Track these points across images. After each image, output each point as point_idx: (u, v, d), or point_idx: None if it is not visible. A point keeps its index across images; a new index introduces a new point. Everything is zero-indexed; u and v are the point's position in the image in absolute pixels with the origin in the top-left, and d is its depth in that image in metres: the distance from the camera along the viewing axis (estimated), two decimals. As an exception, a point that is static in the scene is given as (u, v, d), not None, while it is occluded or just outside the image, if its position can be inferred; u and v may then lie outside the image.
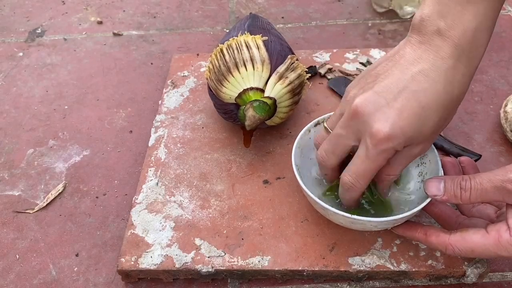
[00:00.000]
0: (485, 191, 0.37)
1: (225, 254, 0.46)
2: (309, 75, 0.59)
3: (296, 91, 0.53)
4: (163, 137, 0.58)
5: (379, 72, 0.39)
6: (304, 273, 0.45)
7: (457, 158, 0.48)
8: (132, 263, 0.46)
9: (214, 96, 0.55)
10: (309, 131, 0.50)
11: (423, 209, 0.43)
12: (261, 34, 0.54)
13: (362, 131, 0.38)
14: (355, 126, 0.38)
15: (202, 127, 0.59)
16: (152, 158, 0.56)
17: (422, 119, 0.37)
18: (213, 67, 0.53)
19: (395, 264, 0.45)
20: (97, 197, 0.55)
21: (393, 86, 0.37)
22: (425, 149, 0.40)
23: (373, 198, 0.46)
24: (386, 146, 0.37)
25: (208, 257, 0.46)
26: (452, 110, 0.39)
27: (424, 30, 0.37)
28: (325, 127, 0.44)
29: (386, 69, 0.38)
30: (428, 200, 0.42)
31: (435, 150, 0.46)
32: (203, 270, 0.45)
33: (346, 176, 0.41)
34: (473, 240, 0.37)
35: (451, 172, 0.45)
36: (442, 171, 0.44)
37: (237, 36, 0.54)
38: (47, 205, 0.54)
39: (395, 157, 0.40)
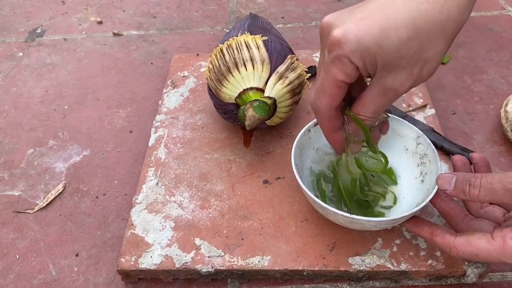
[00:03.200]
0: (494, 191, 0.36)
1: (225, 254, 0.46)
2: (309, 75, 0.59)
3: (296, 91, 0.53)
4: (163, 137, 0.58)
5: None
6: (304, 273, 0.45)
7: (468, 157, 0.47)
8: (132, 263, 0.46)
9: (214, 96, 0.55)
10: (309, 131, 0.50)
11: (432, 204, 0.43)
12: (261, 34, 0.54)
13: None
14: (323, 43, 0.37)
15: (202, 127, 0.59)
16: (152, 158, 0.56)
17: (384, 30, 0.33)
18: (213, 67, 0.53)
19: (395, 264, 0.45)
20: (97, 197, 0.55)
21: (363, 2, 0.36)
22: (399, 81, 0.36)
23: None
24: (338, 52, 0.34)
25: (208, 257, 0.46)
26: (432, 36, 0.34)
27: None
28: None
29: None
30: (428, 200, 0.42)
31: (435, 150, 0.46)
32: (203, 270, 0.45)
33: (311, 96, 0.39)
34: (478, 245, 0.37)
35: (462, 171, 0.45)
36: (442, 171, 0.44)
37: (237, 36, 0.54)
38: (47, 205, 0.54)
39: (366, 91, 0.38)
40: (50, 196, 0.55)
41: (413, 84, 0.37)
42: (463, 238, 0.38)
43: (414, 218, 0.43)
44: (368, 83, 0.39)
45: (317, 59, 0.68)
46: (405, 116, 0.58)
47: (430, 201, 0.43)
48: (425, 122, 0.58)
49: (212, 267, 0.45)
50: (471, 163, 0.46)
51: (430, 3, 0.34)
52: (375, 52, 0.34)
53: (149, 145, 0.57)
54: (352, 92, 0.41)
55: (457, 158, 0.46)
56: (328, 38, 0.35)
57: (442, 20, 0.34)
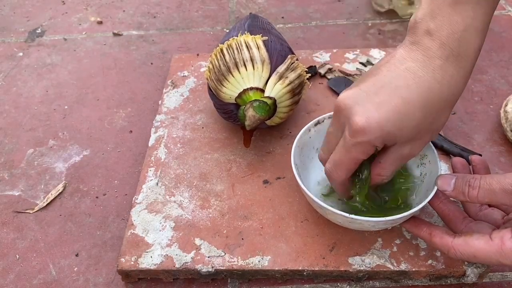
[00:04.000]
0: (493, 192, 0.37)
1: (225, 254, 0.46)
2: (309, 75, 0.59)
3: (296, 91, 0.53)
4: (163, 137, 0.58)
5: (369, 73, 0.39)
6: (304, 273, 0.45)
7: (468, 158, 0.47)
8: (132, 263, 0.46)
9: (214, 96, 0.55)
10: (309, 130, 0.50)
11: (431, 205, 0.43)
12: (261, 34, 0.54)
13: (345, 124, 0.39)
14: (339, 121, 0.39)
15: (202, 127, 0.59)
16: (152, 158, 0.56)
17: (402, 114, 0.36)
18: (213, 67, 0.53)
19: (395, 264, 0.45)
20: (97, 197, 0.55)
21: (378, 82, 0.38)
22: (414, 149, 0.40)
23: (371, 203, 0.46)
24: (362, 138, 0.37)
25: (208, 257, 0.46)
26: (440, 111, 0.38)
27: (416, 32, 0.38)
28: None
29: (376, 68, 0.39)
30: (427, 200, 0.42)
31: (435, 150, 0.46)
32: (203, 270, 0.45)
33: (327, 164, 0.42)
34: (476, 245, 0.37)
35: (461, 172, 0.45)
36: (442, 171, 0.44)
37: (237, 36, 0.54)
38: (47, 205, 0.54)
39: (385, 155, 0.40)
40: (50, 196, 0.55)
41: (424, 147, 0.41)
42: (461, 239, 0.38)
43: (413, 219, 0.43)
44: None
45: (317, 59, 0.68)
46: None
47: (429, 202, 0.43)
48: (425, 122, 0.57)
49: (212, 267, 0.45)
50: (470, 164, 0.46)
51: (439, 82, 0.37)
52: (395, 134, 0.37)
53: (149, 145, 0.57)
54: None
55: (457, 160, 0.46)
56: (350, 123, 0.37)
57: (450, 95, 0.38)
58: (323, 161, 0.44)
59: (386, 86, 0.37)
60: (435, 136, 0.41)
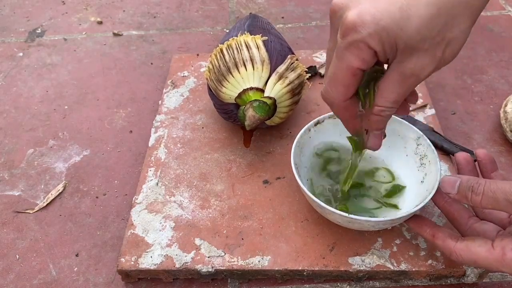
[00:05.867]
0: (497, 200, 0.36)
1: (225, 254, 0.46)
2: (309, 75, 0.59)
3: (296, 91, 0.53)
4: (163, 137, 0.58)
5: None
6: (304, 273, 0.45)
7: (473, 152, 0.46)
8: (132, 263, 0.46)
9: (214, 96, 0.55)
10: (309, 130, 0.50)
11: (436, 205, 0.44)
12: (261, 34, 0.54)
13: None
14: (334, 28, 0.34)
15: (202, 127, 0.59)
16: (152, 158, 0.56)
17: (403, 9, 0.30)
18: (213, 67, 0.53)
19: (395, 264, 0.45)
20: (97, 197, 0.55)
21: None
22: (421, 65, 0.32)
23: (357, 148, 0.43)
24: (353, 37, 0.31)
25: (208, 257, 0.46)
26: (453, 14, 0.31)
27: None
28: None
29: None
30: (427, 200, 0.42)
31: (435, 150, 0.46)
32: (203, 270, 0.45)
33: (323, 87, 0.36)
34: (477, 252, 0.37)
35: (465, 169, 0.44)
36: (442, 171, 0.44)
37: (237, 36, 0.54)
38: (47, 205, 0.54)
39: (384, 79, 0.34)
40: (50, 196, 0.55)
41: (435, 67, 0.33)
42: (463, 244, 0.38)
43: (417, 218, 0.43)
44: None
45: (317, 59, 0.68)
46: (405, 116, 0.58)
47: (435, 203, 0.43)
48: (425, 122, 0.58)
49: (212, 267, 0.45)
50: (475, 160, 0.46)
51: None
52: (395, 34, 0.31)
53: (149, 145, 0.57)
54: None
55: (461, 156, 0.45)
56: (342, 21, 0.32)
57: None
58: (329, 96, 0.37)
59: None
60: (449, 53, 0.33)
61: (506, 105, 0.58)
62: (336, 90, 0.35)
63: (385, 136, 0.41)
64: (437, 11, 0.30)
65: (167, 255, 0.46)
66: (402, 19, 0.30)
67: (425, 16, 0.30)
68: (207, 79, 0.55)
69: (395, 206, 0.47)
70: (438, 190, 0.42)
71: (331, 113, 0.49)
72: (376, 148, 0.40)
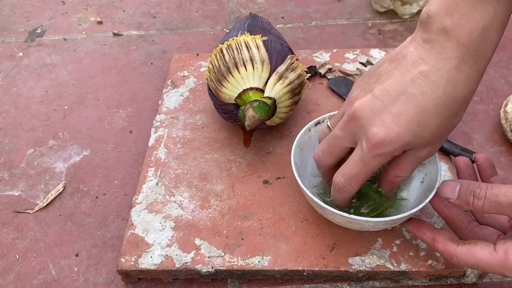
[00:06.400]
0: (499, 204, 0.36)
1: (225, 254, 0.46)
2: (309, 75, 0.59)
3: (296, 91, 0.53)
4: (163, 137, 0.58)
5: (381, 73, 0.38)
6: (304, 273, 0.45)
7: (470, 157, 0.46)
8: (132, 263, 0.46)
9: (214, 96, 0.55)
10: (310, 130, 0.50)
11: (435, 210, 0.43)
12: (261, 34, 0.54)
13: (359, 134, 0.38)
14: (352, 129, 0.39)
15: (202, 127, 0.59)
16: (152, 158, 0.56)
17: (421, 123, 0.36)
18: (213, 67, 0.53)
19: (395, 264, 0.45)
20: (97, 197, 0.55)
21: (392, 89, 0.37)
22: (432, 151, 0.40)
23: (376, 198, 0.46)
24: (381, 150, 0.37)
25: (208, 257, 0.46)
26: (456, 112, 0.37)
27: (430, 28, 0.36)
28: (328, 126, 0.44)
29: (388, 70, 0.38)
30: (427, 201, 0.42)
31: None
32: (203, 270, 0.45)
33: (339, 177, 0.41)
34: (479, 255, 0.37)
35: (465, 173, 0.44)
36: (442, 171, 0.44)
37: (237, 36, 0.54)
38: (47, 205, 0.54)
39: (403, 158, 0.40)
40: (50, 196, 0.55)
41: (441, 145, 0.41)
42: (465, 247, 0.38)
43: (416, 221, 0.43)
44: None
45: (317, 59, 0.68)
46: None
47: (433, 206, 0.43)
48: (425, 122, 0.57)
49: (212, 267, 0.45)
50: (473, 162, 0.46)
51: (453, 84, 0.35)
52: (415, 143, 0.37)
53: (149, 145, 0.57)
54: None
55: (460, 160, 0.45)
56: (368, 135, 0.37)
57: (466, 94, 0.36)
58: (321, 162, 0.43)
59: (402, 94, 0.36)
60: (447, 136, 0.41)
61: (506, 105, 0.58)
62: (355, 185, 0.41)
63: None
64: (445, 117, 0.37)
65: (167, 255, 0.46)
66: (419, 131, 0.37)
67: (436, 124, 0.37)
68: (207, 79, 0.55)
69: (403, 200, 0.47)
70: (437, 195, 0.42)
71: (331, 113, 0.49)
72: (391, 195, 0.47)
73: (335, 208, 0.42)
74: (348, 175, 0.40)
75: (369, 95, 0.38)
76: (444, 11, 0.35)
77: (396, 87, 0.37)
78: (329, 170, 0.44)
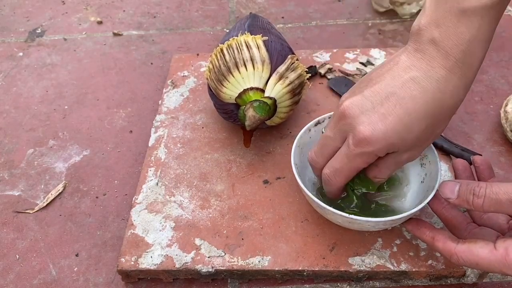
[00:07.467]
0: (500, 202, 0.36)
1: (225, 254, 0.46)
2: (309, 75, 0.59)
3: (296, 91, 0.53)
4: (163, 137, 0.58)
5: (372, 78, 0.39)
6: (304, 273, 0.45)
7: (468, 158, 0.47)
8: (132, 263, 0.46)
9: (214, 96, 0.55)
10: (309, 130, 0.50)
11: (433, 211, 0.43)
12: (261, 34, 0.54)
13: (347, 132, 0.39)
14: (341, 127, 0.40)
15: (202, 127, 0.59)
16: (152, 158, 0.56)
17: (407, 126, 0.37)
18: (213, 67, 0.53)
19: (395, 264, 0.45)
20: (97, 197, 0.55)
21: (382, 90, 0.38)
22: (412, 156, 0.41)
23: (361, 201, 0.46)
24: (365, 149, 0.38)
25: (208, 257, 0.46)
26: (442, 120, 0.39)
27: (420, 39, 0.38)
28: (322, 131, 0.45)
29: (379, 74, 0.39)
30: (427, 201, 0.42)
31: (435, 151, 0.46)
32: (203, 270, 0.45)
33: (326, 169, 0.42)
34: (479, 254, 0.37)
35: (463, 175, 0.45)
36: (442, 171, 0.44)
37: (237, 36, 0.54)
38: (47, 205, 0.54)
39: (383, 160, 0.41)
40: (50, 196, 0.55)
41: (422, 151, 0.42)
42: (465, 245, 0.38)
43: (416, 221, 0.43)
44: None
45: (317, 59, 0.68)
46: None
47: (431, 208, 0.43)
48: (425, 122, 0.57)
49: (212, 267, 0.45)
50: (471, 164, 0.46)
51: (442, 92, 0.37)
52: (399, 145, 0.38)
53: (149, 145, 0.57)
54: None
55: (458, 162, 0.46)
56: (355, 133, 0.38)
57: (452, 103, 0.38)
58: (315, 164, 0.44)
59: (391, 96, 0.37)
60: (432, 141, 0.42)
61: (506, 105, 0.58)
62: (340, 179, 0.42)
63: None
64: (431, 122, 0.38)
65: (167, 255, 0.46)
66: (405, 133, 0.37)
67: (422, 128, 0.38)
68: (207, 79, 0.55)
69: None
70: (436, 196, 0.42)
71: (331, 113, 0.49)
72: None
73: (327, 200, 0.42)
74: (334, 169, 0.41)
75: (359, 95, 0.39)
76: (433, 24, 0.37)
77: (386, 89, 0.38)
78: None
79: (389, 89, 0.38)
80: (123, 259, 0.46)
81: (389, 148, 0.38)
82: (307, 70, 0.56)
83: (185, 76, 0.67)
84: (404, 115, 0.37)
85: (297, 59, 0.54)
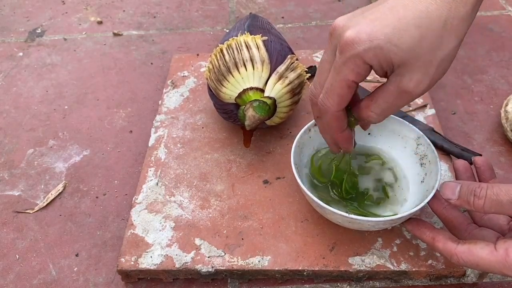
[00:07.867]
0: (500, 203, 0.35)
1: (225, 254, 0.46)
2: (309, 75, 0.59)
3: (296, 91, 0.53)
4: (163, 137, 0.58)
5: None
6: (304, 273, 0.45)
7: (471, 159, 0.46)
8: (132, 263, 0.46)
9: (214, 96, 0.55)
10: (309, 130, 0.50)
11: (433, 211, 0.43)
12: (261, 34, 0.54)
13: (337, 46, 0.36)
14: (332, 43, 0.37)
15: (202, 127, 0.59)
16: (152, 158, 0.56)
17: (396, 29, 0.34)
18: (213, 67, 0.53)
19: (395, 264, 0.45)
20: (97, 197, 0.55)
21: (373, 4, 0.36)
22: (415, 81, 0.35)
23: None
24: (350, 52, 0.35)
25: (208, 257, 0.46)
26: (441, 34, 0.34)
27: None
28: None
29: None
30: (427, 201, 0.42)
31: (435, 150, 0.46)
32: (203, 270, 0.45)
33: (320, 95, 0.39)
34: (480, 254, 0.37)
35: (464, 176, 0.45)
36: (442, 171, 0.44)
37: (237, 36, 0.54)
38: (47, 205, 0.54)
39: (382, 89, 0.37)
40: (50, 196, 0.55)
41: (429, 85, 0.36)
42: (465, 246, 0.38)
43: (416, 221, 0.43)
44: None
45: (317, 59, 0.68)
46: (405, 116, 0.58)
47: (431, 208, 0.43)
48: (425, 122, 0.58)
49: (212, 267, 0.45)
50: (471, 164, 0.46)
51: (438, 3, 0.34)
52: (389, 50, 0.34)
53: (149, 145, 0.57)
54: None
55: (459, 162, 0.45)
56: (340, 39, 0.35)
57: (451, 17, 0.34)
58: (314, 97, 0.40)
59: (382, 5, 0.35)
60: (441, 71, 0.37)
61: (506, 105, 0.58)
62: (332, 100, 0.38)
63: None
64: (425, 32, 0.34)
65: (167, 255, 0.46)
66: (395, 37, 0.34)
67: (415, 37, 0.34)
68: (207, 79, 0.55)
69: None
70: (436, 196, 0.42)
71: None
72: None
73: (339, 209, 0.42)
74: (325, 89, 0.38)
75: (350, 13, 0.37)
76: None
77: (378, 2, 0.36)
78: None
79: (381, 1, 0.36)
80: (123, 259, 0.46)
81: (377, 53, 0.34)
82: (306, 70, 0.56)
83: (185, 76, 0.67)
84: (394, 19, 0.34)
85: (296, 59, 0.54)
